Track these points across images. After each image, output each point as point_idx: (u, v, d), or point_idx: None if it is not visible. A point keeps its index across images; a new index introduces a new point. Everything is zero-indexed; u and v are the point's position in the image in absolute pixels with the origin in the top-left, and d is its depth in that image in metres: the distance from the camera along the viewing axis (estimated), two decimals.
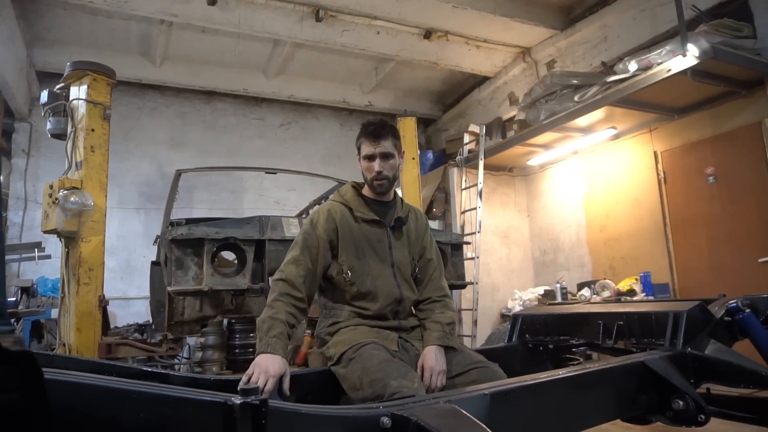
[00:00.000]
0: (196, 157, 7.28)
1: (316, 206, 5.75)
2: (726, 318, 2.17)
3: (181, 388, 1.00)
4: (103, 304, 3.88)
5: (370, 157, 2.01)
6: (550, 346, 2.54)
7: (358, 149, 2.06)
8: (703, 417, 1.72)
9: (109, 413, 0.83)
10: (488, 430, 1.07)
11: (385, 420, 1.12)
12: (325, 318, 2.09)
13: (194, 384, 1.64)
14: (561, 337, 2.53)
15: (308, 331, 4.80)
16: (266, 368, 1.62)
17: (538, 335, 2.62)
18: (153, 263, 3.88)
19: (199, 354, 4.45)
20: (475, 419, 1.12)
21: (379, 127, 2.01)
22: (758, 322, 2.14)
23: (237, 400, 0.93)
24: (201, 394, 0.94)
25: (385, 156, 2.00)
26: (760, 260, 4.55)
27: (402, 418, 1.11)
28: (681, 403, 1.73)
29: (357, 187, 2.14)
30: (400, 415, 1.12)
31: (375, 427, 1.11)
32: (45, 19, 6.14)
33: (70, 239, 3.73)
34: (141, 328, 5.82)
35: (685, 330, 1.98)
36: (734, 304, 2.14)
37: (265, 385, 1.55)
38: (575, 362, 2.48)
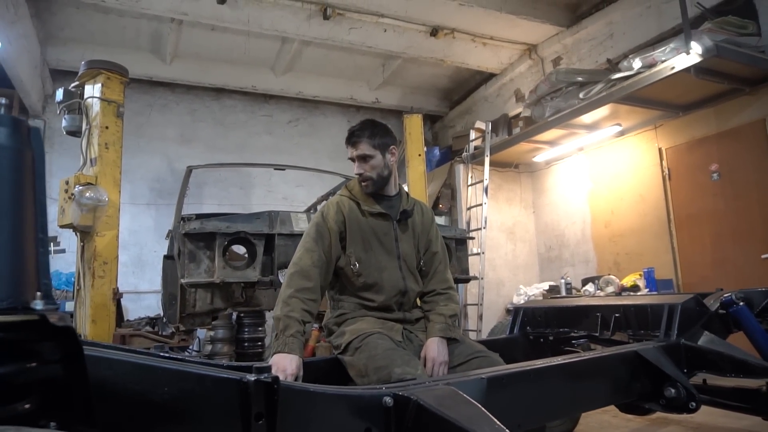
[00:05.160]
0: (206, 153, 7.39)
1: (324, 201, 5.85)
2: (720, 311, 2.24)
3: (201, 365, 1.09)
4: (117, 296, 4.00)
5: (352, 160, 2.12)
6: (551, 338, 2.62)
7: None
8: (694, 404, 1.79)
9: (137, 387, 0.92)
10: (483, 409, 1.16)
11: (388, 399, 1.20)
12: (333, 309, 2.18)
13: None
14: (561, 329, 2.60)
15: (316, 325, 4.89)
16: (284, 367, 1.71)
17: (538, 327, 2.70)
18: (165, 257, 3.98)
19: (209, 347, 4.57)
20: (473, 400, 1.20)
21: (356, 130, 2.11)
22: (752, 314, 2.20)
23: (251, 377, 1.02)
24: (219, 371, 1.04)
25: (363, 158, 2.08)
26: (763, 256, 4.58)
27: (403, 398, 1.19)
28: (673, 390, 1.80)
29: None
30: (402, 395, 1.20)
31: (378, 406, 1.20)
32: (58, 18, 6.27)
33: (85, 233, 3.85)
34: (152, 321, 5.95)
35: (679, 322, 2.05)
36: (728, 297, 2.20)
37: None
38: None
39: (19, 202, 0.77)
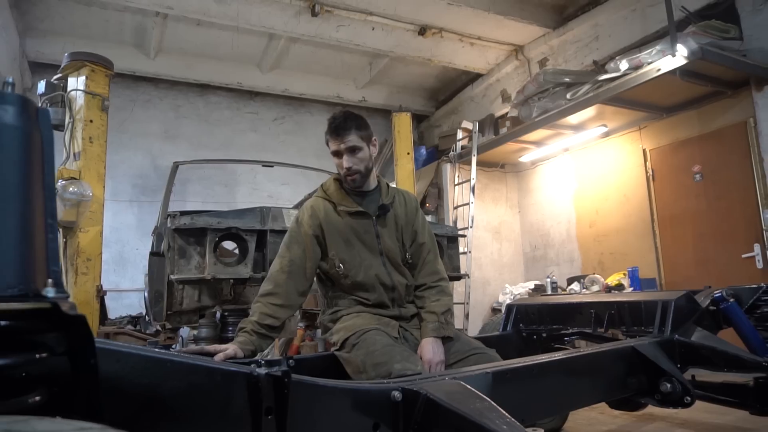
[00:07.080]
0: (190, 150, 7.28)
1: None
2: (711, 307, 2.27)
3: (210, 359, 1.06)
4: (100, 293, 3.91)
5: (338, 154, 2.01)
6: (544, 335, 2.63)
7: (327, 146, 2.05)
8: (689, 399, 1.82)
9: (145, 380, 0.89)
10: (493, 402, 1.15)
11: (396, 394, 1.18)
12: (328, 307, 2.14)
13: None
14: (554, 326, 2.62)
15: (301, 325, 4.84)
16: (223, 348, 1.74)
17: (531, 324, 2.71)
18: (152, 253, 3.90)
19: (192, 346, 4.49)
20: (480, 393, 1.20)
21: (341, 121, 1.99)
22: (741, 311, 2.24)
23: (261, 370, 0.99)
24: (229, 365, 1.01)
25: (352, 150, 1.99)
26: (743, 255, 4.69)
27: (412, 392, 1.18)
28: (668, 385, 1.82)
29: (340, 180, 2.13)
30: (410, 389, 1.19)
31: (386, 401, 1.18)
32: (38, 9, 6.10)
33: (68, 229, 3.75)
34: (134, 320, 5.83)
35: (672, 318, 2.07)
36: (719, 294, 2.24)
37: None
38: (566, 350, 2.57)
39: (27, 186, 0.73)
